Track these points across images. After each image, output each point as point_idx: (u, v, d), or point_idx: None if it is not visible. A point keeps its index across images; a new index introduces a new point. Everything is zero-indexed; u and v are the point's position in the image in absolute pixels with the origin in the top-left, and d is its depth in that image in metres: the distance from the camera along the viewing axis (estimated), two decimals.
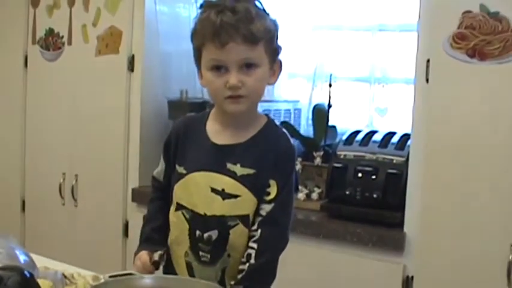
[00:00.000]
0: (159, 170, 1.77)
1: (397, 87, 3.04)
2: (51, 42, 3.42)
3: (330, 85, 2.87)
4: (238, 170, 1.59)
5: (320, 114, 2.95)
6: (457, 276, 2.33)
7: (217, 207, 1.60)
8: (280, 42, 1.63)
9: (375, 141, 2.66)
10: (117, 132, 3.19)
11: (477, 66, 2.26)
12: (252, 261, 1.58)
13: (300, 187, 2.92)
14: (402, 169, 2.51)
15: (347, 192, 2.60)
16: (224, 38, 1.50)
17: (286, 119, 3.06)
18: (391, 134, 2.69)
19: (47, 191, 3.48)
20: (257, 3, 1.58)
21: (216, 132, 1.66)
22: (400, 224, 2.48)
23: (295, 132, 2.95)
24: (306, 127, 3.19)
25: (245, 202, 1.59)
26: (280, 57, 1.65)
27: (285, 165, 1.62)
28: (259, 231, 1.60)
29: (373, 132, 2.74)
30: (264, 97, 3.04)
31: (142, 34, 3.11)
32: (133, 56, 3.13)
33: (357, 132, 2.76)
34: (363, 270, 2.53)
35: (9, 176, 3.68)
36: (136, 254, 1.70)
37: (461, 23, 2.28)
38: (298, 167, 2.93)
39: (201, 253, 1.63)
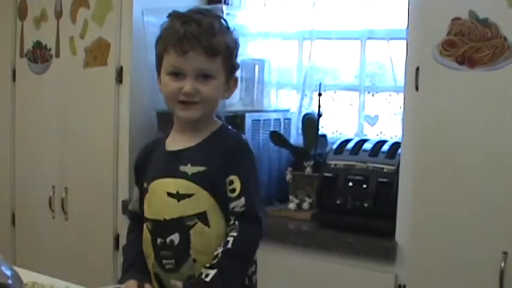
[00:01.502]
0: (134, 200, 1.80)
1: (387, 96, 3.03)
2: (39, 55, 3.39)
3: (320, 94, 2.86)
4: (189, 169, 1.63)
5: (310, 123, 2.93)
6: (450, 285, 2.31)
7: (174, 209, 1.62)
8: (237, 60, 1.72)
9: (365, 150, 2.65)
10: (106, 144, 3.17)
11: (467, 73, 2.25)
12: (229, 245, 1.58)
13: (290, 197, 2.91)
14: (393, 178, 2.50)
15: (338, 202, 2.58)
16: (185, 47, 1.59)
17: (276, 129, 3.04)
18: (382, 143, 2.68)
19: (36, 204, 3.45)
20: (222, 20, 1.68)
21: (172, 141, 1.73)
22: (392, 233, 2.46)
23: (284, 142, 2.94)
24: (296, 136, 3.17)
25: (199, 200, 1.61)
26: (236, 74, 1.73)
27: (240, 158, 1.65)
28: (237, 223, 1.61)
29: (363, 141, 2.73)
30: (253, 107, 3.07)
31: (130, 45, 3.09)
32: (121, 68, 3.11)
33: (348, 141, 2.75)
34: (355, 280, 2.51)
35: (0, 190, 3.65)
36: (121, 282, 1.69)
37: (451, 30, 2.26)
38: (288, 176, 2.92)
39: (164, 261, 1.64)
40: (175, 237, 1.62)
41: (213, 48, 1.60)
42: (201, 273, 1.57)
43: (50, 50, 3.36)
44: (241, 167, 1.64)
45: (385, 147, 2.63)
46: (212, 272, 1.55)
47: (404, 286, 2.41)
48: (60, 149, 3.36)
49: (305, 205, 2.87)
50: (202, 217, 1.61)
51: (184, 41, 1.59)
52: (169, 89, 1.64)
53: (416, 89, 2.35)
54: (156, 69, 1.73)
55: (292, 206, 2.87)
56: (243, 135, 1.73)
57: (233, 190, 1.62)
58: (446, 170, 2.32)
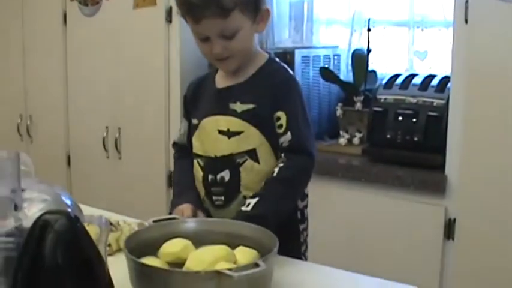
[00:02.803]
0: (182, 133, 1.82)
1: (437, 31, 2.99)
2: None
3: (369, 30, 2.84)
4: (239, 107, 1.64)
5: (359, 59, 2.93)
6: (499, 219, 2.31)
7: (224, 147, 1.64)
8: None
9: (414, 85, 2.64)
10: (157, 84, 3.21)
11: None
12: (274, 174, 1.59)
13: (341, 132, 2.93)
14: (443, 112, 2.49)
15: (388, 136, 2.59)
16: (198, 16, 1.56)
17: (326, 65, 3.04)
18: (431, 77, 2.66)
19: (90, 145, 3.54)
20: None
21: (221, 77, 1.73)
22: (442, 167, 2.47)
23: (334, 78, 2.94)
24: (345, 73, 3.17)
25: (249, 137, 1.63)
26: (265, 5, 1.66)
27: (286, 94, 1.64)
28: (283, 155, 1.61)
29: (413, 76, 2.71)
30: (303, 44, 3.07)
31: None
32: (171, 8, 3.11)
33: (397, 76, 2.74)
34: (405, 213, 2.54)
35: (54, 131, 3.75)
36: (176, 204, 1.70)
37: None
38: (338, 112, 2.93)
39: (214, 197, 1.67)
40: (225, 174, 1.65)
41: (223, 9, 1.54)
42: (244, 203, 1.58)
43: None
44: (287, 102, 1.63)
45: (435, 82, 2.61)
46: (253, 201, 1.56)
47: (455, 220, 2.43)
48: (112, 90, 3.42)
49: (355, 140, 2.88)
50: (252, 154, 1.63)
51: (194, 9, 1.56)
52: (202, 51, 1.64)
53: (466, 22, 2.31)
54: None
55: (342, 141, 2.89)
56: (289, 70, 1.71)
57: (280, 126, 1.62)
58: (496, 104, 2.30)
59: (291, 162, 1.60)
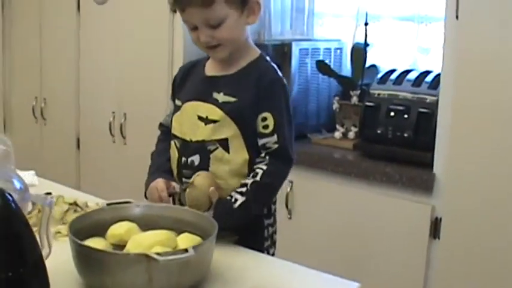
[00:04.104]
0: (168, 114, 1.86)
1: (441, 26, 2.95)
2: None
3: (366, 24, 2.83)
4: (221, 97, 1.67)
5: (358, 53, 2.92)
6: (486, 219, 2.28)
7: (200, 132, 1.68)
8: None
9: (409, 80, 2.62)
10: (161, 71, 3.24)
11: (508, 1, 2.18)
12: (258, 178, 1.63)
13: (337, 126, 2.93)
14: (434, 108, 2.46)
15: (379, 131, 2.59)
16: (182, 5, 1.63)
17: (327, 58, 3.04)
18: (427, 73, 2.64)
19: (98, 130, 3.61)
20: None
21: (211, 66, 1.77)
22: (430, 165, 2.45)
23: (330, 71, 2.94)
24: (347, 66, 3.16)
25: (223, 127, 1.66)
26: None
27: (274, 95, 1.67)
28: (267, 157, 1.66)
29: (408, 71, 2.69)
30: (303, 36, 3.07)
31: None
32: None
33: (393, 71, 2.72)
34: (392, 210, 2.52)
35: (66, 116, 3.83)
36: (148, 182, 1.78)
37: None
38: (335, 105, 2.93)
39: (184, 179, 1.71)
40: (196, 159, 1.69)
41: None
42: (231, 197, 1.63)
43: None
44: (274, 104, 1.66)
45: (429, 78, 2.59)
46: (241, 200, 1.62)
47: (441, 219, 2.41)
48: (118, 76, 3.48)
49: (351, 134, 2.88)
50: (224, 143, 1.66)
51: None
52: (192, 39, 1.68)
53: (457, 17, 2.29)
54: None
55: (337, 134, 2.89)
56: (278, 71, 1.73)
57: (266, 126, 1.65)
58: (487, 101, 2.26)
59: (274, 168, 1.65)
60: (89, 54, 3.66)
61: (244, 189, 1.63)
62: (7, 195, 1.18)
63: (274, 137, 1.65)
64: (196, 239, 1.41)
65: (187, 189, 1.64)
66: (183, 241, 1.41)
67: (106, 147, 3.58)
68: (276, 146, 1.65)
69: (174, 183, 1.73)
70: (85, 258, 1.30)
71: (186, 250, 1.26)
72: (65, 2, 3.72)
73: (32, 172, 2.14)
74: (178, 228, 1.48)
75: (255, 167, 1.66)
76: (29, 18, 4.00)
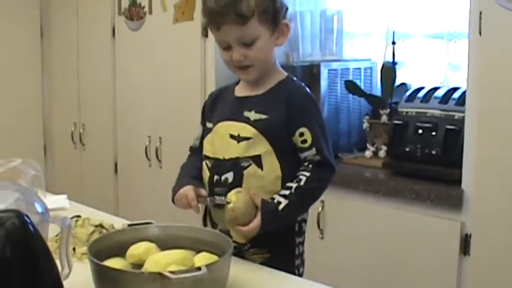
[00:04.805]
0: (196, 137, 1.92)
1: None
2: (135, 13, 3.58)
3: (394, 43, 2.84)
4: (252, 115, 1.73)
5: (387, 72, 2.93)
6: None
7: (233, 150, 1.72)
8: (281, 3, 1.72)
9: (436, 97, 2.62)
10: (194, 95, 3.30)
11: None
12: (302, 183, 1.68)
13: (368, 145, 2.94)
14: (461, 125, 2.45)
15: (407, 149, 2.59)
16: (217, 23, 1.67)
17: (357, 78, 3.06)
18: (454, 90, 2.64)
19: (135, 154, 3.68)
20: None
21: (241, 88, 1.83)
22: (459, 181, 2.44)
23: (358, 91, 2.95)
24: (378, 86, 3.17)
25: (256, 143, 1.70)
26: (286, 18, 1.75)
27: (307, 110, 1.73)
28: (310, 166, 1.70)
29: (436, 89, 2.69)
30: (333, 56, 3.09)
31: None
32: None
33: (421, 88, 2.72)
34: (422, 228, 2.51)
35: (103, 141, 3.92)
36: (177, 189, 1.80)
37: None
38: (365, 125, 2.94)
39: (217, 197, 1.72)
40: (229, 176, 1.72)
41: (241, 16, 1.64)
42: (273, 199, 1.67)
43: (143, 7, 3.54)
44: (309, 118, 1.72)
45: (457, 95, 2.59)
46: (284, 202, 1.66)
47: (471, 235, 2.39)
48: (153, 101, 3.56)
49: (381, 153, 2.88)
50: (257, 160, 1.70)
51: (215, 17, 1.66)
52: (224, 59, 1.74)
53: (480, 33, 2.29)
54: None
55: (368, 153, 2.90)
56: (306, 88, 1.79)
57: (304, 141, 1.71)
58: (510, 116, 2.25)
59: (317, 175, 1.70)
60: (124, 79, 3.75)
61: (287, 192, 1.67)
62: (25, 217, 1.23)
63: (313, 150, 1.71)
64: (212, 258, 1.44)
65: (229, 205, 1.63)
66: (199, 260, 1.44)
67: (143, 171, 3.65)
68: (318, 157, 1.70)
69: (203, 190, 1.75)
70: (102, 277, 1.35)
71: (199, 268, 1.29)
72: (101, 28, 3.84)
73: (64, 196, 2.21)
74: (197, 247, 1.52)
75: (298, 173, 1.70)
76: (66, 46, 4.13)
